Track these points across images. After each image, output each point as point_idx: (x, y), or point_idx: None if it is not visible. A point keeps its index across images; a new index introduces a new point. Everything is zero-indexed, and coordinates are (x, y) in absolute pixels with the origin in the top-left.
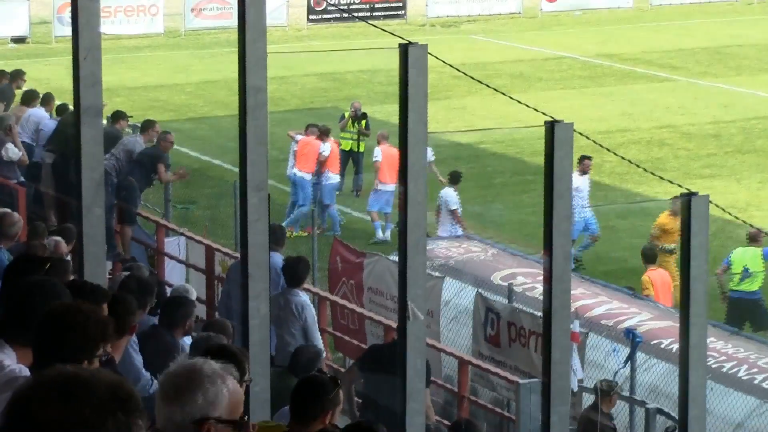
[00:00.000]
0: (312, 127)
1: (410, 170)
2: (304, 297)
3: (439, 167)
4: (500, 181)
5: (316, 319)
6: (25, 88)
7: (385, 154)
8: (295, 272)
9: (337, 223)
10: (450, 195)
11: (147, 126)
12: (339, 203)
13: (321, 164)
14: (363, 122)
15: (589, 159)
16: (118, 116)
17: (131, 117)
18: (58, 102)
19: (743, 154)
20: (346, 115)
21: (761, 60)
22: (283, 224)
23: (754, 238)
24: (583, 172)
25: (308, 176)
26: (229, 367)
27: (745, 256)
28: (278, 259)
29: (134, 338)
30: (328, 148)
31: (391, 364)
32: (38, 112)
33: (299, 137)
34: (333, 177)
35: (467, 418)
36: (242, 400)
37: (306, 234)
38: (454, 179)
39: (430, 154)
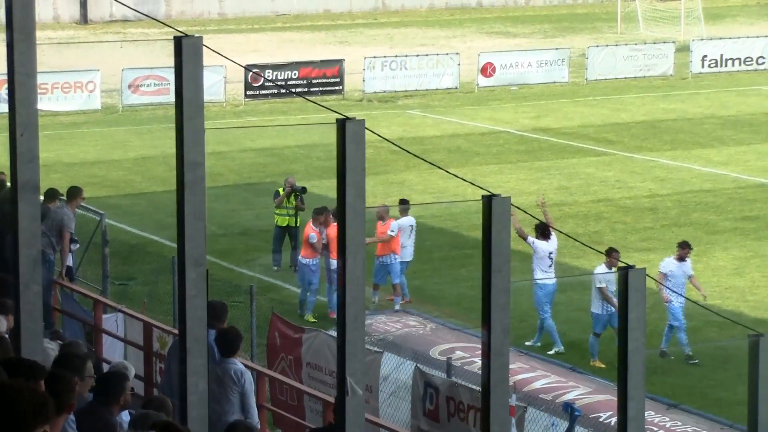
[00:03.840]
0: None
1: (348, 245)
2: (240, 364)
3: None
4: (438, 256)
5: (254, 386)
6: None
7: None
8: (229, 342)
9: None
10: None
11: (74, 194)
12: (277, 278)
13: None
14: (299, 197)
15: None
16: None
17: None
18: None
19: (679, 227)
20: (281, 191)
21: (696, 134)
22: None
23: None
24: (681, 258)
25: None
26: None
27: None
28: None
29: (71, 416)
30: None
31: None
32: None
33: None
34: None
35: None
36: None
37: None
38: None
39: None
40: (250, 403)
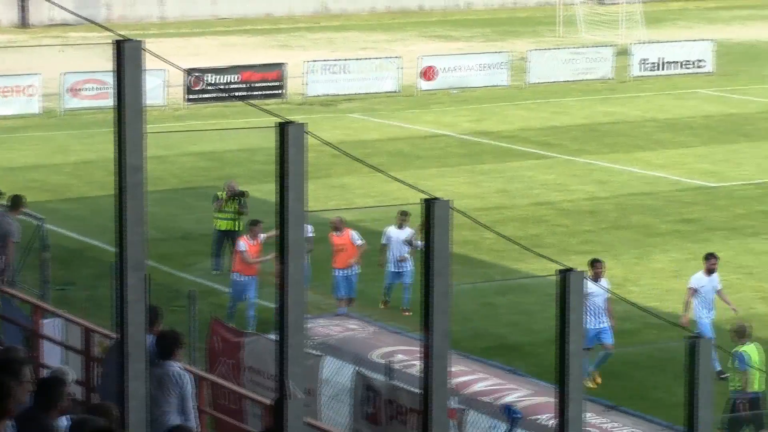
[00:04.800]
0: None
1: (289, 249)
2: (179, 367)
3: (321, 245)
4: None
5: (193, 389)
6: None
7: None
8: (168, 344)
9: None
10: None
11: (17, 203)
12: (217, 283)
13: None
14: (240, 201)
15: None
16: None
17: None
18: None
19: (619, 230)
20: (220, 195)
21: (635, 137)
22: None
23: (744, 334)
24: (710, 271)
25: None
26: None
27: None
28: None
29: (10, 421)
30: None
31: None
32: None
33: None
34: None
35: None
36: None
37: None
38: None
39: (310, 230)
40: (189, 406)
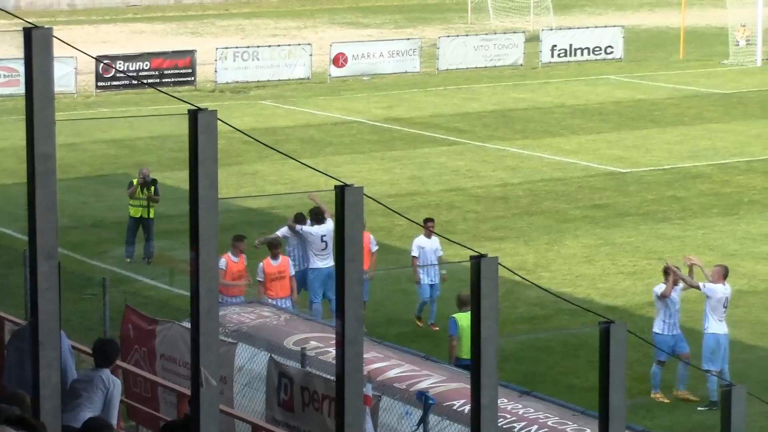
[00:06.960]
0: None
1: (201, 236)
2: (111, 374)
3: (230, 233)
4: None
5: (120, 396)
6: None
7: None
8: (105, 352)
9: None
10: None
11: None
12: (130, 270)
13: None
14: (152, 188)
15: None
16: None
17: None
18: None
19: (530, 215)
20: (135, 182)
21: (546, 123)
22: None
23: (465, 302)
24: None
25: None
26: None
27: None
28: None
29: None
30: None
31: None
32: None
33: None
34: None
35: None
36: None
37: None
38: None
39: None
40: (113, 412)
